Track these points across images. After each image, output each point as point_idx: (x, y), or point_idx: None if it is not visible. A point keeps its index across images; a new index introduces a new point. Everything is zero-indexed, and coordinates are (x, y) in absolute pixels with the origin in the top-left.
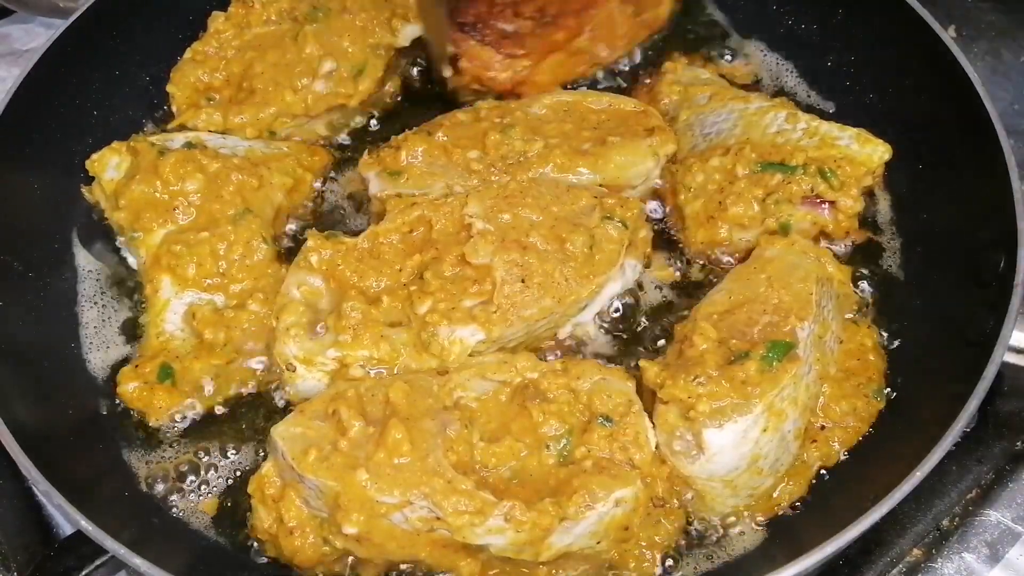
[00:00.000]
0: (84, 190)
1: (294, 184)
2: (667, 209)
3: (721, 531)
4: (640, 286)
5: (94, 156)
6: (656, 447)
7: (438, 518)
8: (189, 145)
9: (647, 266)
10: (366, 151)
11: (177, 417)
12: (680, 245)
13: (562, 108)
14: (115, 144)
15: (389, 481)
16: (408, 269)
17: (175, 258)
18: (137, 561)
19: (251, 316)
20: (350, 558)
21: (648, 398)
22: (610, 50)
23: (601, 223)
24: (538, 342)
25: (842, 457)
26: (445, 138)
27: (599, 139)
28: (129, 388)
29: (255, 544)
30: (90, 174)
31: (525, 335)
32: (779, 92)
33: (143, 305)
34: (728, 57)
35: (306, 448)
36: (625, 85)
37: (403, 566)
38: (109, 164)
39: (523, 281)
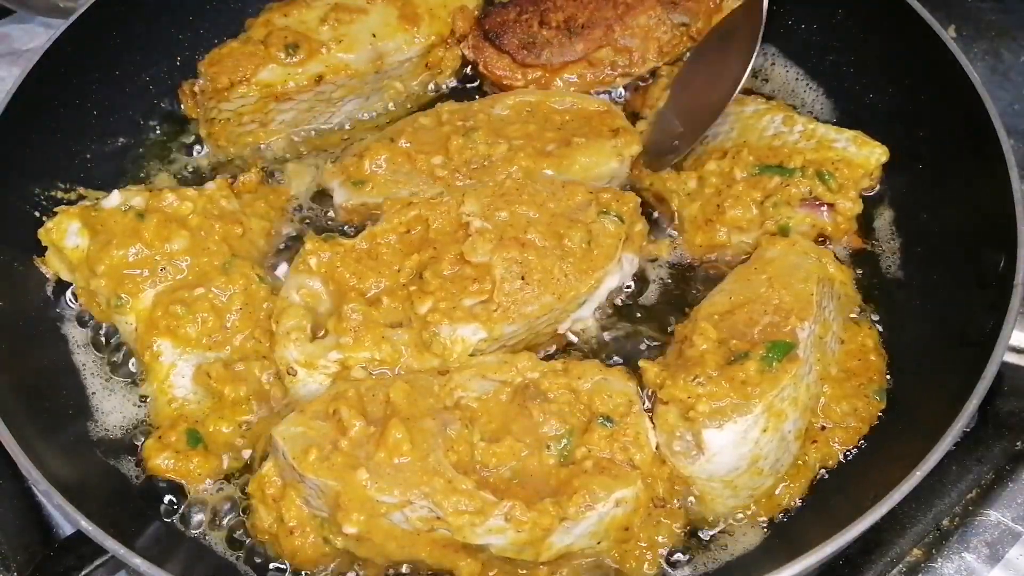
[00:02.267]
0: (38, 262)
1: (270, 226)
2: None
3: (721, 531)
4: (641, 284)
5: (48, 224)
6: (656, 447)
7: (438, 518)
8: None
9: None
10: (328, 160)
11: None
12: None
13: (525, 109)
14: (69, 210)
15: (389, 481)
16: (407, 269)
17: (174, 319)
18: (137, 561)
19: (263, 366)
20: (350, 561)
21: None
22: (642, 61)
23: (598, 218)
24: (538, 339)
25: (842, 457)
26: (408, 144)
27: (563, 140)
28: (161, 462)
29: (253, 545)
30: (43, 244)
31: (526, 332)
32: (779, 93)
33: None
34: None
35: (307, 448)
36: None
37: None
38: (69, 231)
39: (523, 278)
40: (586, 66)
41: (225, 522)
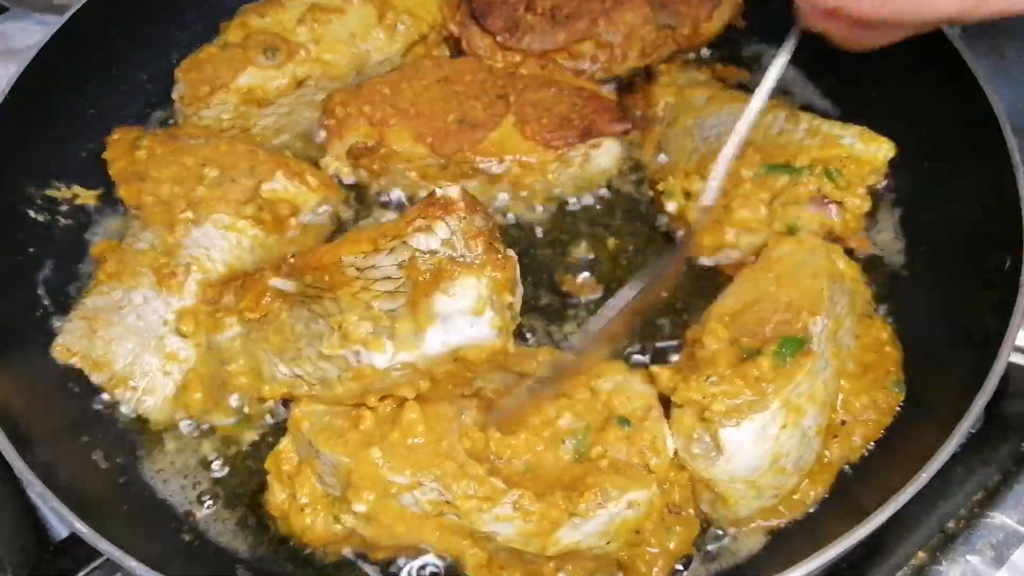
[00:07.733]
0: None
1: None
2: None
3: (727, 533)
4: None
5: None
6: (675, 453)
7: (447, 502)
8: None
9: None
10: None
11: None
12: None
13: None
14: None
15: (401, 461)
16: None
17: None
18: (132, 564)
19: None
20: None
21: (665, 405)
22: (622, 58)
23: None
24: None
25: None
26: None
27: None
28: None
29: (251, 549)
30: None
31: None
32: (780, 90)
33: None
34: (726, 56)
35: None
36: (617, 88)
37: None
38: None
39: None
40: (565, 57)
41: (224, 526)
